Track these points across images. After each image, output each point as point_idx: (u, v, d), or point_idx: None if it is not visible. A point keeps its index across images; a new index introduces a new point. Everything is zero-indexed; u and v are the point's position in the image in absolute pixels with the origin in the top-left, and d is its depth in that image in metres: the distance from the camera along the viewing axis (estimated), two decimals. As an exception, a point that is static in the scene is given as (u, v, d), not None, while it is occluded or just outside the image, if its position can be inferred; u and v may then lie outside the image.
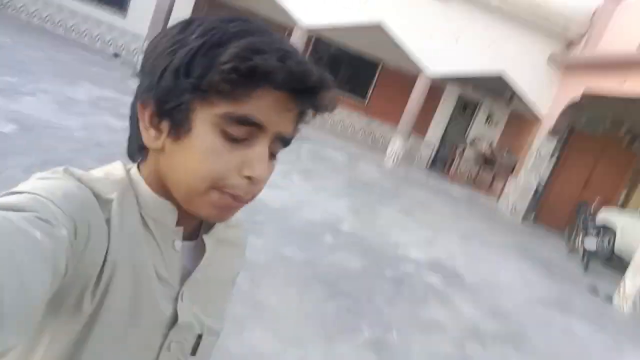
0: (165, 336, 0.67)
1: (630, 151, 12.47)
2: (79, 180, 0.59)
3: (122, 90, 8.80)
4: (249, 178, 0.60)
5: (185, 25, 0.61)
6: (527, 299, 6.00)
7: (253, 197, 0.63)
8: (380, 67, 14.74)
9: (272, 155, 0.64)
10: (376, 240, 6.02)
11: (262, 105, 0.58)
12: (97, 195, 0.60)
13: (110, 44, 13.56)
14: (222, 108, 0.57)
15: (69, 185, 0.57)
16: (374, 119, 14.93)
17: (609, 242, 9.61)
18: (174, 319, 0.67)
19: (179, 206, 0.65)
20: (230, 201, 0.61)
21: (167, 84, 0.59)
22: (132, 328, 0.62)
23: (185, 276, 0.68)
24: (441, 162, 14.53)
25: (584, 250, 8.97)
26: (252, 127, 0.59)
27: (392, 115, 13.96)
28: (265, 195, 5.92)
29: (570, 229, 10.52)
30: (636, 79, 8.35)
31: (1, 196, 0.50)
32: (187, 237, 0.69)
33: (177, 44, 0.59)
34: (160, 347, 0.66)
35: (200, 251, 0.70)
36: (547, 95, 11.42)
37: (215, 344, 0.77)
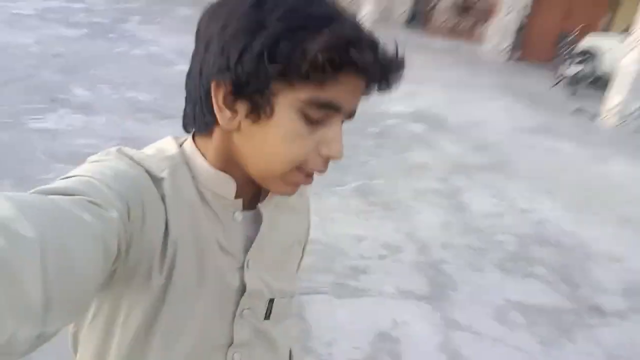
0: (237, 304, 0.67)
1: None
2: (131, 159, 0.59)
3: (70, -1, 8.32)
4: (328, 157, 0.60)
5: (259, 3, 0.56)
6: (512, 130, 6.12)
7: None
8: None
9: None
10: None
11: (343, 90, 0.57)
12: (150, 173, 0.59)
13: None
14: (306, 93, 0.56)
15: (121, 166, 0.57)
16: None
17: (594, 66, 9.64)
18: (243, 287, 0.67)
19: (237, 178, 0.64)
20: (305, 179, 0.62)
21: (248, 68, 0.56)
22: (202, 299, 0.63)
23: (249, 245, 0.68)
24: (419, 16, 14.03)
25: (570, 76, 8.98)
26: (332, 110, 0.58)
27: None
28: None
29: (554, 60, 10.42)
30: None
31: (54, 182, 0.50)
32: (246, 207, 0.68)
33: (255, 24, 0.55)
34: (234, 315, 0.67)
35: (260, 220, 0.70)
36: None
37: (291, 304, 0.78)
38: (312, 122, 0.58)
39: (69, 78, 4.79)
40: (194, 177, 0.64)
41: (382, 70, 0.57)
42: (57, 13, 7.20)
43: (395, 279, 2.78)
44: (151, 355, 0.62)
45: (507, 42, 11.41)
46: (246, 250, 0.68)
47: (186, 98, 0.64)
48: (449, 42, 12.13)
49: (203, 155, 0.64)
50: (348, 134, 3.17)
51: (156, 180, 0.60)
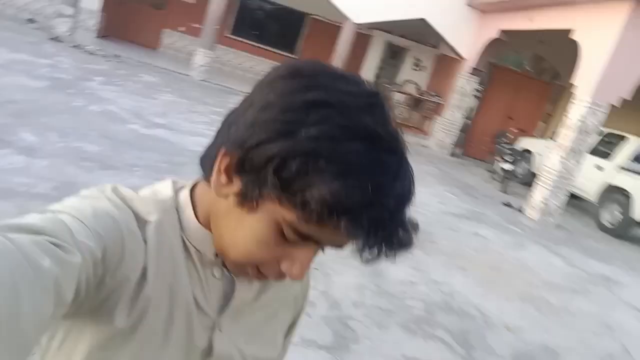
0: None
1: (549, 83, 13.41)
2: (122, 199, 0.59)
3: (38, 54, 8.59)
4: (283, 272, 0.58)
5: (307, 102, 0.52)
6: (441, 213, 6.55)
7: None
8: (307, 19, 14.86)
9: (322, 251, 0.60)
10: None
11: (330, 233, 0.53)
12: (137, 216, 0.59)
13: (25, 10, 13.00)
14: (291, 217, 0.53)
15: (106, 205, 0.57)
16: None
17: (524, 165, 10.54)
18: (210, 349, 0.65)
19: None
20: (257, 275, 0.60)
21: (256, 161, 0.53)
22: (164, 353, 0.61)
23: (225, 306, 0.66)
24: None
25: (502, 171, 9.75)
26: (310, 240, 0.55)
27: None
28: (187, 141, 6.14)
29: (491, 156, 11.31)
30: (541, 16, 9.08)
31: (26, 216, 0.49)
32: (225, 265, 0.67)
33: (287, 125, 0.51)
34: None
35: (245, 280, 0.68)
36: (467, 36, 11.93)
37: None
38: (285, 240, 0.56)
39: (19, 122, 4.94)
40: (181, 227, 0.63)
41: (379, 248, 0.53)
42: (23, 65, 7.45)
43: (302, 330, 2.95)
44: None
45: (452, 138, 12.32)
46: (221, 311, 0.66)
47: (215, 136, 0.63)
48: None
49: (194, 206, 0.64)
50: None
51: (142, 224, 0.59)
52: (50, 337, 0.62)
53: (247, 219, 0.57)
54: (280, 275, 0.58)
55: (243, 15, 14.80)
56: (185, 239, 0.63)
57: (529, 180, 10.22)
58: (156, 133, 6.14)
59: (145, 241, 0.59)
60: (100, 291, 0.54)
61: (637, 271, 6.58)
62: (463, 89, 12.03)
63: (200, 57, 11.59)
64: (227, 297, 0.66)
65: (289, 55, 15.03)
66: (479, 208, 7.53)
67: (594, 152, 9.66)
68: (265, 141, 0.52)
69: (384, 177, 0.52)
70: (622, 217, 8.70)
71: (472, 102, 12.77)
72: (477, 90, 12.78)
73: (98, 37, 12.54)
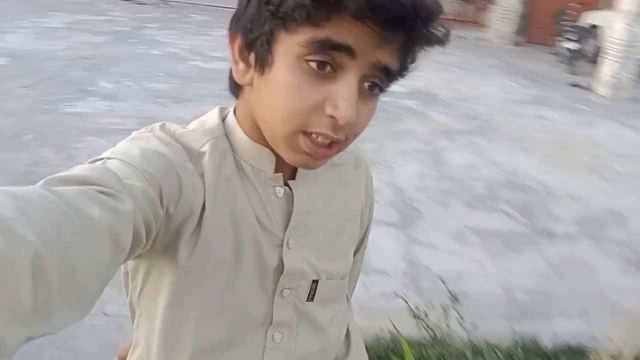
0: (277, 283, 0.65)
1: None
2: (172, 136, 0.59)
3: (94, 12, 9.07)
4: (332, 117, 0.52)
5: None
6: (503, 101, 6.52)
7: (348, 141, 0.57)
8: None
9: (374, 90, 0.56)
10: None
11: (346, 29, 0.50)
12: (188, 150, 0.59)
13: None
14: (303, 35, 0.51)
15: (156, 144, 0.56)
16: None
17: (592, 42, 9.92)
18: (282, 266, 0.64)
19: (276, 152, 0.61)
20: (313, 148, 0.55)
21: (251, 12, 0.54)
22: (239, 277, 0.62)
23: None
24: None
25: (568, 52, 9.29)
26: (338, 52, 0.51)
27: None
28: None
29: (555, 39, 10.71)
30: None
31: (78, 165, 0.49)
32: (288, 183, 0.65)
33: None
34: (273, 294, 0.65)
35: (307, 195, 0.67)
36: None
37: (343, 287, 0.75)
38: (317, 74, 0.52)
39: (95, 74, 5.44)
40: (233, 150, 0.62)
41: (372, 10, 0.48)
42: (84, 25, 7.95)
43: (372, 215, 3.28)
44: (190, 330, 0.62)
45: (511, 27, 11.73)
46: (287, 228, 0.65)
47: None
48: (455, 30, 12.48)
49: (241, 126, 0.62)
50: None
51: (195, 156, 0.59)
52: (133, 284, 0.65)
53: (273, 78, 0.54)
54: (334, 126, 0.53)
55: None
56: (240, 160, 0.62)
57: (599, 57, 9.68)
58: (216, 66, 6.46)
59: (201, 173, 0.58)
60: (167, 229, 0.55)
61: None
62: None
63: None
64: (290, 215, 0.65)
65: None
66: (544, 92, 7.36)
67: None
68: None
69: None
70: None
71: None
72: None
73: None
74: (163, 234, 0.55)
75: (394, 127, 5.02)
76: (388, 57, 0.53)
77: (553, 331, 2.37)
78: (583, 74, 8.96)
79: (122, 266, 0.67)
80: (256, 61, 0.56)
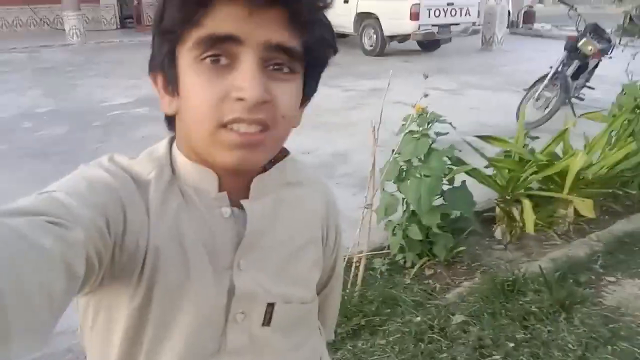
0: (229, 307, 0.63)
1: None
2: (120, 167, 0.59)
3: None
4: (240, 99, 0.53)
5: None
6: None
7: (278, 123, 0.56)
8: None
9: (283, 71, 0.56)
10: (79, 106, 6.21)
11: (224, 18, 0.52)
12: (135, 179, 0.59)
13: None
14: (191, 39, 0.53)
15: (101, 175, 0.56)
16: (39, 5, 13.53)
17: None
18: (233, 289, 0.62)
19: (217, 170, 0.61)
20: (239, 137, 0.54)
21: (155, 46, 0.57)
22: (189, 304, 0.60)
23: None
24: (131, 18, 14.25)
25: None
26: (226, 44, 0.52)
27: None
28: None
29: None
30: None
31: (18, 201, 0.48)
32: (238, 203, 0.64)
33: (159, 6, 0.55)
34: (226, 320, 0.63)
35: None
36: None
37: (309, 314, 0.73)
38: (214, 67, 0.53)
39: None
40: (177, 177, 0.61)
41: None
42: None
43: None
44: None
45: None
46: (237, 249, 0.63)
47: None
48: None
49: (182, 152, 0.62)
50: (73, 134, 3.63)
51: (142, 185, 0.59)
52: (83, 317, 0.63)
53: (183, 92, 0.56)
54: (246, 108, 0.53)
55: None
56: (184, 187, 0.61)
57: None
58: None
59: (146, 203, 0.58)
60: (114, 259, 0.54)
61: (397, 77, 7.89)
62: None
63: None
64: (241, 235, 0.63)
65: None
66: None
67: (338, -11, 10.68)
68: (156, 29, 0.57)
69: None
70: (376, 37, 10.09)
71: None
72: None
73: None
74: (109, 269, 0.54)
75: (132, 135, 5.02)
76: (278, 36, 0.54)
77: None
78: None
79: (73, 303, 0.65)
80: (171, 86, 0.57)
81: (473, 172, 2.95)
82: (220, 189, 0.62)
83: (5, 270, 0.37)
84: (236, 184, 0.63)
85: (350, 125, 5.38)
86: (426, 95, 2.40)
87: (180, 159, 0.62)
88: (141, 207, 0.58)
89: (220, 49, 0.53)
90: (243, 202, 0.63)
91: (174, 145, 0.64)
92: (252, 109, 0.53)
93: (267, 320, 0.66)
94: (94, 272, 0.50)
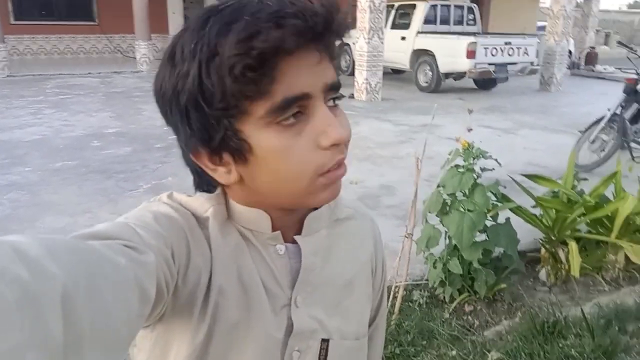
0: (286, 345, 0.63)
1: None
2: (179, 203, 0.60)
3: None
4: (333, 146, 0.54)
5: (171, 56, 0.54)
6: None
7: (347, 149, 0.59)
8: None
9: (334, 105, 0.58)
10: (144, 129, 6.60)
11: (291, 78, 0.52)
12: (195, 216, 0.60)
13: None
14: (260, 109, 0.52)
15: (164, 209, 0.58)
16: (112, 34, 14.55)
17: (347, 57, 11.56)
18: (291, 327, 0.63)
19: (271, 210, 0.61)
20: (335, 173, 0.56)
21: (199, 123, 0.54)
22: (248, 341, 0.61)
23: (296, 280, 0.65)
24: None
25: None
26: (299, 102, 0.53)
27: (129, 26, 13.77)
28: (19, 134, 6.03)
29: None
30: None
31: (98, 225, 0.50)
32: (291, 239, 0.65)
33: (178, 79, 0.53)
34: (282, 357, 0.63)
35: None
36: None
37: (361, 351, 0.73)
38: (293, 124, 0.53)
39: None
40: (232, 217, 0.62)
41: (305, 34, 0.50)
42: None
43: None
44: None
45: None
46: (293, 286, 0.64)
47: (192, 173, 0.64)
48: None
49: (235, 200, 0.62)
50: (136, 154, 3.94)
51: (201, 222, 0.60)
52: (138, 351, 0.63)
53: (261, 158, 0.54)
54: (338, 151, 0.55)
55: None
56: (238, 226, 0.62)
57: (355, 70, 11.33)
58: (-18, 138, 5.94)
59: (207, 239, 0.59)
60: (177, 292, 0.55)
61: (450, 114, 7.94)
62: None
63: (-9, 54, 10.68)
64: (297, 272, 0.64)
65: (89, 23, 14.32)
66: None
67: (395, 26, 10.93)
68: (185, 106, 0.53)
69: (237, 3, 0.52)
70: (431, 73, 10.17)
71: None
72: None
73: None
74: (171, 302, 0.55)
75: (190, 160, 5.26)
76: (330, 75, 0.55)
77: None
78: (344, 86, 10.34)
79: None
80: (234, 157, 0.56)
81: (518, 211, 2.94)
82: (274, 228, 0.62)
83: (82, 279, 0.36)
84: (288, 222, 0.64)
85: (398, 159, 5.45)
86: (470, 130, 2.45)
87: (233, 203, 0.62)
88: (203, 242, 0.59)
89: (294, 108, 0.53)
90: (297, 238, 0.64)
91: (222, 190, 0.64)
92: (341, 149, 0.56)
93: (322, 358, 0.66)
94: (162, 300, 0.51)
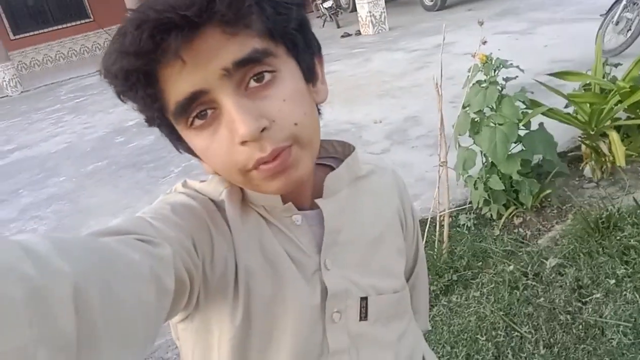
0: (324, 309, 0.63)
1: None
2: (195, 190, 0.61)
3: None
4: (244, 142, 0.50)
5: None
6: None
7: (297, 131, 0.52)
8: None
9: (261, 77, 0.51)
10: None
11: (174, 82, 0.48)
12: (212, 200, 0.60)
13: None
14: (171, 117, 0.52)
15: (181, 198, 0.58)
16: (109, 26, 14.46)
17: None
18: (326, 290, 0.63)
19: None
20: (268, 168, 0.52)
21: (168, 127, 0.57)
22: (287, 314, 0.61)
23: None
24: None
25: (327, 10, 10.38)
26: (193, 100, 0.49)
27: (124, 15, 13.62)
28: (46, 146, 6.14)
29: (313, 4, 11.79)
30: None
31: (112, 222, 0.50)
32: (310, 206, 0.65)
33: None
34: (324, 322, 0.63)
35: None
36: None
37: (403, 303, 0.73)
38: (205, 124, 0.51)
39: None
40: (244, 196, 0.62)
41: (164, 28, 0.45)
42: None
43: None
44: None
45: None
46: (320, 250, 0.63)
47: None
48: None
49: None
50: (159, 141, 3.85)
51: (218, 205, 0.60)
52: (183, 347, 0.65)
53: (201, 157, 0.57)
54: (257, 147, 0.50)
55: (13, 12, 13.59)
56: (252, 204, 0.62)
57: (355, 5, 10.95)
58: (14, 157, 6.13)
59: (226, 220, 0.59)
60: (206, 280, 0.55)
61: (462, 27, 7.61)
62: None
63: (1, 72, 10.81)
64: (322, 237, 0.64)
65: (86, 21, 14.26)
66: (324, 51, 8.17)
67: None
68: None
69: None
70: (435, -9, 9.74)
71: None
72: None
73: None
74: (203, 289, 0.55)
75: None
76: (230, 51, 0.48)
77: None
78: (348, 24, 10.08)
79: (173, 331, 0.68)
80: (192, 153, 0.58)
81: (551, 113, 2.83)
82: (285, 201, 0.61)
83: (92, 274, 0.36)
84: (301, 191, 0.63)
85: (418, 87, 5.30)
86: (484, 42, 2.34)
87: None
88: (223, 225, 0.59)
89: (197, 107, 0.50)
90: (318, 201, 0.63)
91: None
92: (260, 143, 0.50)
93: (363, 315, 0.66)
94: (185, 289, 0.51)
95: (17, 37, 13.76)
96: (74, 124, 7.18)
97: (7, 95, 10.81)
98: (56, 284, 0.32)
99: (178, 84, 0.49)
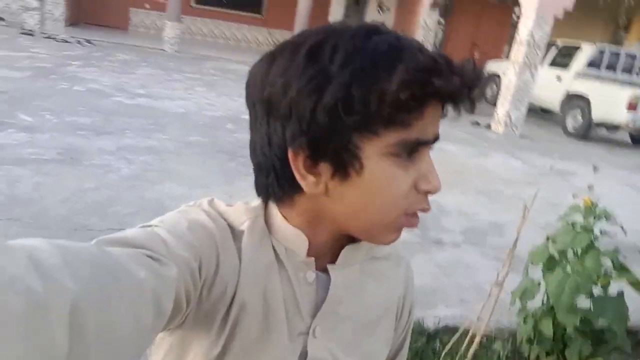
0: None
1: (510, 6, 13.83)
2: (218, 212, 0.61)
3: (14, 48, 9.02)
4: (426, 192, 0.56)
5: (312, 52, 0.53)
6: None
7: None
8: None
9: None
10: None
11: (430, 122, 0.54)
12: (231, 227, 0.60)
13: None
14: (394, 137, 0.53)
15: (202, 217, 0.58)
16: (274, 29, 15.49)
17: (494, 87, 11.14)
18: (305, 356, 0.63)
19: (316, 236, 0.61)
20: (411, 221, 0.58)
21: (324, 126, 0.52)
22: (264, 358, 0.61)
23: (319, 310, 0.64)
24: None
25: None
26: (422, 145, 0.55)
27: (291, 23, 14.56)
28: (169, 104, 6.67)
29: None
30: None
31: (124, 230, 0.51)
32: (322, 267, 0.64)
33: (318, 77, 0.51)
34: None
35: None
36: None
37: None
38: (406, 162, 0.55)
39: (14, 107, 5.47)
40: (270, 232, 0.62)
41: (464, 92, 0.53)
42: (2, 60, 7.89)
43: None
44: None
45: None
46: (315, 316, 0.63)
47: (255, 169, 0.61)
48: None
49: (283, 216, 0.61)
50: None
51: (236, 234, 0.60)
52: (154, 352, 0.64)
53: (363, 182, 0.55)
54: (426, 200, 0.57)
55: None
56: (274, 241, 0.61)
57: (497, 101, 10.84)
58: (139, 102, 6.68)
59: (239, 252, 0.59)
60: (201, 302, 0.55)
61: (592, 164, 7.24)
62: (425, 24, 12.46)
63: (170, 30, 11.97)
64: (321, 302, 0.63)
65: (256, 15, 15.41)
66: (447, 129, 8.14)
67: (554, 64, 10.24)
68: (315, 104, 0.51)
69: (415, 42, 0.54)
70: (582, 119, 9.37)
71: (437, 35, 13.22)
72: (440, 23, 13.21)
73: (67, 25, 12.79)
74: (195, 310, 0.55)
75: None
76: (438, 127, 0.57)
77: (436, 316, 2.77)
78: (484, 115, 9.96)
79: None
80: (337, 170, 0.55)
81: (637, 284, 2.59)
82: (308, 254, 0.62)
83: (93, 292, 0.37)
84: (325, 250, 0.63)
85: (518, 199, 5.08)
86: (590, 188, 2.21)
87: (279, 218, 0.62)
88: (234, 254, 0.59)
89: (423, 148, 0.56)
90: (330, 266, 0.64)
91: (274, 206, 0.62)
92: (427, 199, 0.58)
93: None
94: (180, 312, 0.51)
95: (197, 6, 15.19)
96: (200, 97, 7.73)
97: (163, 50, 11.90)
98: (56, 301, 0.33)
99: (429, 126, 0.55)
